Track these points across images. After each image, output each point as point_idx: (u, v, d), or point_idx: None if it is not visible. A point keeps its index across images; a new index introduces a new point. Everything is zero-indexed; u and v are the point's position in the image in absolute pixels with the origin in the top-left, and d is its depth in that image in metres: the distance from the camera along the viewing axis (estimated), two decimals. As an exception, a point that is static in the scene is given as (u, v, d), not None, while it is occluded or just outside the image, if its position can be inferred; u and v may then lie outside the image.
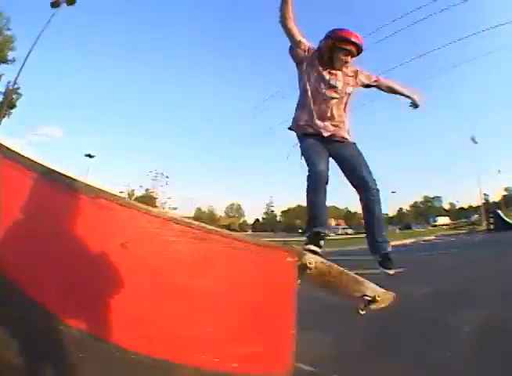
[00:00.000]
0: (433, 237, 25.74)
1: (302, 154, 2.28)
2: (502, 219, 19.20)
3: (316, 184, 2.17)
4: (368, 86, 2.47)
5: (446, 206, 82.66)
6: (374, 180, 2.22)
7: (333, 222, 70.42)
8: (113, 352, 1.48)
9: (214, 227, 1.71)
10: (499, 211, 20.56)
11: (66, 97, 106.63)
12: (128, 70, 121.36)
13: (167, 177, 27.40)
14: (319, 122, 2.26)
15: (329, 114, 2.27)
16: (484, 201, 21.96)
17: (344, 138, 2.31)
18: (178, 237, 1.59)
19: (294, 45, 2.31)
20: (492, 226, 19.80)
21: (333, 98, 2.27)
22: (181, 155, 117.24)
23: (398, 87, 2.51)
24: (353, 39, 2.19)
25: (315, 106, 2.26)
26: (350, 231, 54.61)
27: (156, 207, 22.47)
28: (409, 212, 79.92)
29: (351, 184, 2.27)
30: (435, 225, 57.16)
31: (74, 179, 1.59)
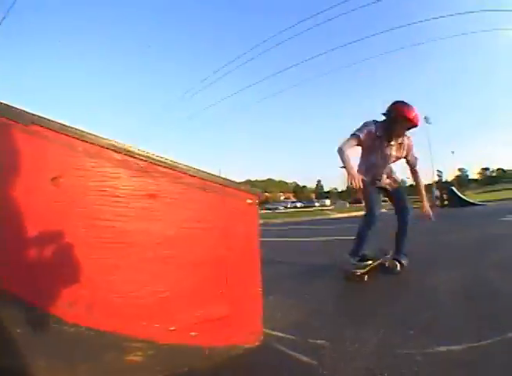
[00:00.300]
0: (385, 210, 26.37)
1: (363, 194, 3.06)
2: (457, 196, 19.80)
3: (371, 224, 2.96)
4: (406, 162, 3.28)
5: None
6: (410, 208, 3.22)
7: (282, 196, 71.58)
8: (50, 323, 1.21)
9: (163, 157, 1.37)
10: (454, 188, 21.18)
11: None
12: None
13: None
14: (377, 181, 3.20)
15: (384, 173, 3.21)
16: (438, 178, 22.41)
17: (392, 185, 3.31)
18: (117, 169, 1.28)
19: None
20: (446, 202, 20.13)
21: (386, 163, 3.14)
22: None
23: (421, 188, 3.45)
24: (415, 121, 2.86)
25: (374, 169, 3.14)
26: (299, 205, 55.44)
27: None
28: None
29: (396, 208, 3.30)
30: (385, 200, 59.39)
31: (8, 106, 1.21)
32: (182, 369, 1.36)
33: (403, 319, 2.13)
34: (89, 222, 1.26)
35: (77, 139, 1.24)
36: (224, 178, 1.52)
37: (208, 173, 1.45)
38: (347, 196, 70.80)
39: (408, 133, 3.01)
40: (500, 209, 13.55)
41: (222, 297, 1.47)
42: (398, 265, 3.16)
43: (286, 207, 50.94)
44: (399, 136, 2.94)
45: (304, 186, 79.63)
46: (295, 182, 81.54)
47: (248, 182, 78.38)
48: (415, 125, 2.86)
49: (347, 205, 49.96)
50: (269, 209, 49.27)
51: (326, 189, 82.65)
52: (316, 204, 55.99)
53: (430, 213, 3.29)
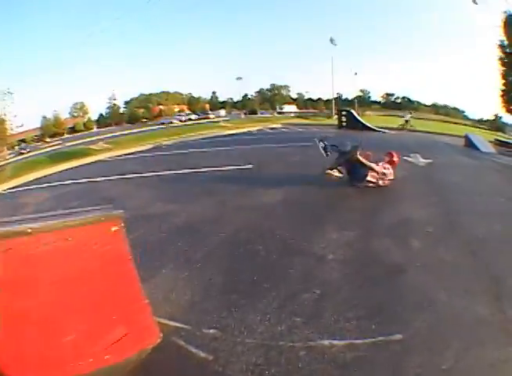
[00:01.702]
0: (280, 125, 26.76)
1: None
2: (355, 117, 20.80)
3: None
4: None
5: (294, 95, 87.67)
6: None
7: (176, 108, 69.21)
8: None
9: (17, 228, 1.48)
10: (353, 110, 22.19)
11: None
12: None
13: (10, 93, 21.89)
14: None
15: None
16: (337, 96, 23.34)
17: None
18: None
19: None
20: (344, 123, 20.79)
21: None
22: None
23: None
24: None
25: None
26: (193, 117, 54.16)
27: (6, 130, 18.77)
28: (255, 98, 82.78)
29: None
30: (281, 113, 60.49)
31: None
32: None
33: (291, 301, 2.30)
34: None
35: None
36: (83, 219, 1.65)
37: (66, 220, 1.61)
38: (243, 106, 70.97)
39: None
40: (402, 142, 13.24)
41: (116, 320, 1.75)
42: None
43: (180, 121, 49.30)
44: None
45: (198, 98, 77.18)
46: (190, 94, 78.40)
47: (142, 95, 72.55)
48: None
49: (243, 116, 50.28)
50: (163, 123, 47.49)
51: (221, 99, 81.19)
52: (211, 115, 55.17)
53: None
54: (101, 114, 69.09)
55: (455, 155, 10.79)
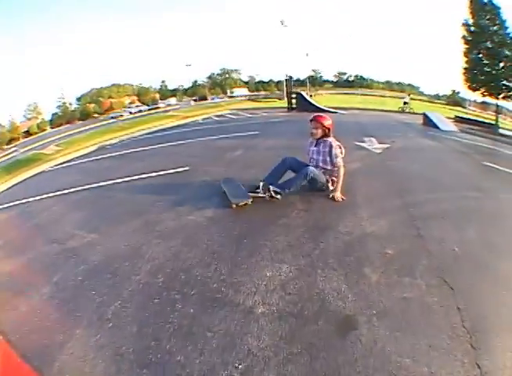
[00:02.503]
0: (228, 111, 26.16)
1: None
2: (305, 99, 20.46)
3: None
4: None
5: (245, 78, 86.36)
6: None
7: (127, 100, 66.49)
8: None
9: None
10: (303, 92, 21.73)
11: None
12: None
13: None
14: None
15: None
16: (287, 77, 22.64)
17: None
18: None
19: None
20: (294, 105, 20.69)
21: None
22: None
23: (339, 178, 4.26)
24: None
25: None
26: (143, 108, 52.35)
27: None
28: (205, 84, 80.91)
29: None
30: (232, 96, 59.80)
31: None
32: None
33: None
34: None
35: None
36: None
37: None
38: (193, 93, 69.28)
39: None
40: (357, 125, 12.36)
41: None
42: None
43: (131, 113, 47.58)
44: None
45: (148, 88, 74.17)
46: (141, 85, 75.32)
47: (94, 90, 69.21)
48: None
49: (192, 103, 49.30)
50: (113, 118, 45.55)
51: (172, 87, 78.57)
52: (161, 105, 53.48)
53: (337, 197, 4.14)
54: (54, 114, 65.70)
55: (414, 136, 10.40)
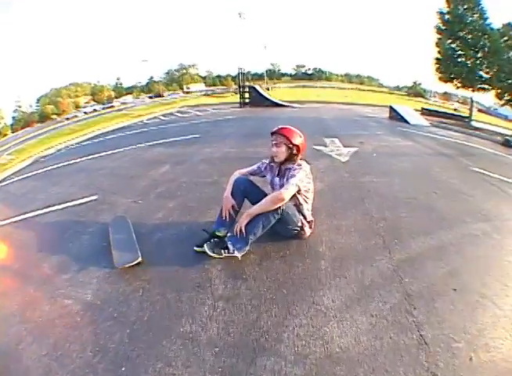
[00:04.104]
0: (177, 109, 24.61)
1: None
2: (260, 93, 18.98)
3: None
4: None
5: (203, 74, 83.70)
6: None
7: (84, 100, 62.56)
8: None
9: None
10: (257, 86, 20.21)
11: None
12: None
13: None
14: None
15: None
16: (239, 71, 20.90)
17: None
18: None
19: None
20: (247, 100, 19.06)
21: None
22: None
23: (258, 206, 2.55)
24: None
25: None
26: (98, 108, 49.28)
27: None
28: (162, 80, 77.49)
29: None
30: (188, 92, 57.87)
31: None
32: None
33: None
34: None
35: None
36: None
37: None
38: (149, 90, 66.17)
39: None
40: (316, 121, 10.62)
41: None
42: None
43: (85, 113, 44.71)
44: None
45: (102, 86, 69.92)
46: (99, 83, 70.97)
47: (53, 90, 65.14)
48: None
49: (148, 101, 47.02)
50: (68, 119, 42.57)
51: (129, 84, 74.79)
52: (116, 104, 50.39)
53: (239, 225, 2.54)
54: (13, 117, 60.96)
55: (383, 134, 8.76)
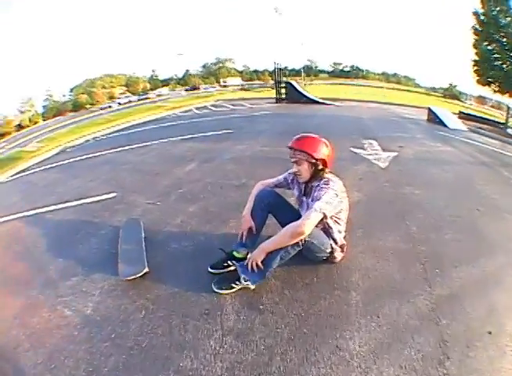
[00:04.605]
0: (211, 102, 24.71)
1: None
2: (296, 89, 18.65)
3: None
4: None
5: (239, 68, 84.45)
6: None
7: (119, 91, 64.76)
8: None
9: None
10: (293, 82, 20.00)
11: None
12: None
13: None
14: None
15: None
16: (276, 66, 20.66)
17: None
18: None
19: None
20: (283, 96, 18.82)
21: None
22: None
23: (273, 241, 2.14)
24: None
25: None
26: (133, 99, 50.86)
27: None
28: (200, 73, 78.77)
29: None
30: (225, 86, 58.41)
31: None
32: None
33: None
34: None
35: None
36: None
37: None
38: (186, 83, 67.42)
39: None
40: (354, 121, 10.29)
41: None
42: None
43: (120, 104, 46.29)
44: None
45: (138, 78, 72.21)
46: (135, 74, 73.51)
47: (87, 81, 68.11)
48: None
49: (184, 93, 47.94)
50: (102, 109, 44.27)
51: (165, 77, 76.77)
52: (151, 95, 51.82)
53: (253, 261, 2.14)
54: (44, 106, 64.23)
55: (423, 139, 8.17)
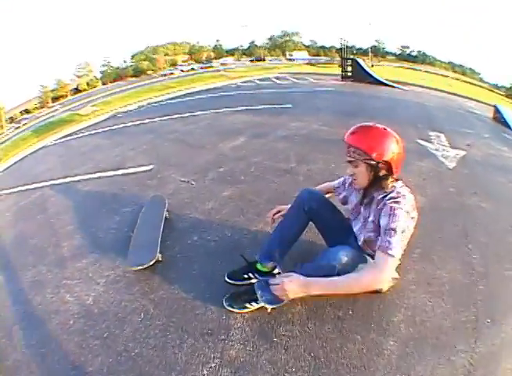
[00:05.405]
0: (275, 75, 24.16)
1: None
2: (362, 68, 17.64)
3: None
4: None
5: (306, 42, 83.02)
6: None
7: (182, 58, 66.50)
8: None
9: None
10: (360, 60, 19.03)
11: None
12: None
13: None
14: None
15: None
16: (342, 42, 19.75)
17: None
18: None
19: None
20: (349, 74, 17.92)
21: None
22: None
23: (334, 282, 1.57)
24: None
25: None
26: (195, 67, 51.89)
27: None
28: (266, 45, 78.52)
29: None
30: (291, 59, 57.53)
31: None
32: None
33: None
34: None
35: None
36: None
37: None
38: (250, 54, 67.56)
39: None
40: (420, 108, 9.55)
41: None
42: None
43: (182, 71, 47.62)
44: None
45: (201, 47, 73.61)
46: (198, 43, 75.16)
47: (149, 48, 70.66)
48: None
49: (248, 64, 48.12)
50: (164, 75, 45.90)
51: (230, 47, 77.54)
52: (215, 64, 52.55)
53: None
54: (102, 72, 67.83)
55: (490, 139, 7.36)
